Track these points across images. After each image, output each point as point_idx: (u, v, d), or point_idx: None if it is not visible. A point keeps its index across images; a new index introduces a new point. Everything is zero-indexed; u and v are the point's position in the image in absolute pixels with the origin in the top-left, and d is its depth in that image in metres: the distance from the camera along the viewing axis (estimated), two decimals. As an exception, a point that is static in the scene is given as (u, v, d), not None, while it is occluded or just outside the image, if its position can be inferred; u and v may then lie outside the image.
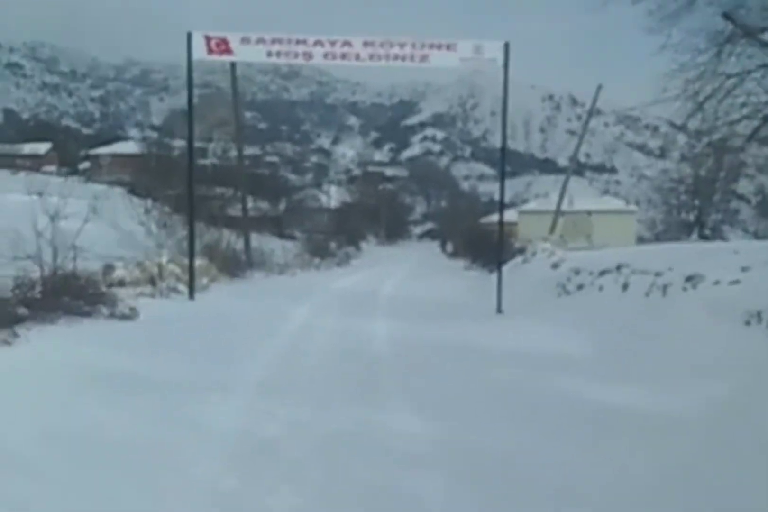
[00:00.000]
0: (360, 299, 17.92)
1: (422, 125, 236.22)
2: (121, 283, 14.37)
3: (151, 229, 20.26)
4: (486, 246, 45.13)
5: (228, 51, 13.79)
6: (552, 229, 27.35)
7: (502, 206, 15.10)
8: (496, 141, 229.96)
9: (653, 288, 10.13)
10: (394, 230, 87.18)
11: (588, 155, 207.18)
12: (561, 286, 13.74)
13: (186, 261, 16.07)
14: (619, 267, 12.09)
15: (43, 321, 9.43)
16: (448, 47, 13.82)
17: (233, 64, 27.57)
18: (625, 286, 11.03)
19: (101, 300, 11.29)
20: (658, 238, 69.89)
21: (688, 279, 9.42)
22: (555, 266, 16.15)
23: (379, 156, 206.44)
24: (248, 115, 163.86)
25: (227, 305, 14.43)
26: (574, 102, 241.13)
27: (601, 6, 10.96)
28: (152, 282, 15.23)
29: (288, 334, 10.76)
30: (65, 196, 12.75)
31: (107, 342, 8.86)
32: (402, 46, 13.80)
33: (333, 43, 13.81)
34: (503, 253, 35.64)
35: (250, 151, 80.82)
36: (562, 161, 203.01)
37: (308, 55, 13.85)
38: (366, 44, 13.81)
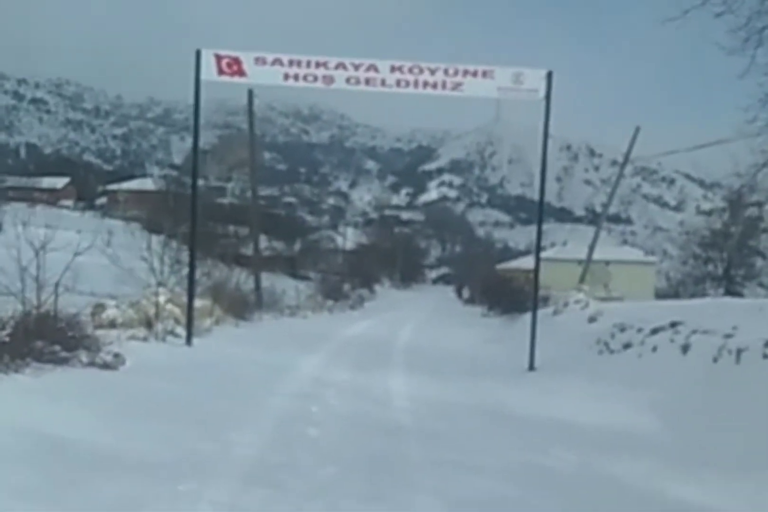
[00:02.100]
0: (375, 348, 16.46)
1: (440, 171, 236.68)
2: (112, 324, 12.99)
3: (153, 265, 18.90)
4: (504, 293, 43.89)
5: (240, 72, 12.54)
6: (582, 279, 25.83)
7: (538, 249, 13.69)
8: (512, 188, 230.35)
9: (723, 353, 8.60)
10: (408, 274, 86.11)
11: (604, 205, 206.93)
12: (603, 343, 12.19)
13: (193, 300, 14.66)
14: (674, 325, 10.57)
15: (6, 369, 8.00)
16: (485, 74, 12.52)
17: (250, 92, 26.72)
18: (685, 348, 9.51)
19: (82, 344, 9.87)
20: (677, 292, 68.30)
21: (769, 343, 7.90)
22: (592, 319, 14.63)
23: (396, 200, 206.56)
24: (268, 156, 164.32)
25: (228, 352, 12.96)
26: (591, 153, 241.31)
27: (681, 16, 9.62)
28: (148, 324, 13.81)
29: (293, 392, 9.27)
30: (52, 227, 11.48)
31: (73, 397, 7.39)
32: (433, 72, 12.52)
33: (357, 67, 12.55)
34: (526, 302, 34.54)
35: (268, 191, 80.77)
36: (578, 211, 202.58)
37: (329, 79, 12.59)
38: (393, 69, 12.54)
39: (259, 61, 12.56)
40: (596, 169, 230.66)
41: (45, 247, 11.59)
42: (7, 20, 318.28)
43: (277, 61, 12.55)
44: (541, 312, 23.16)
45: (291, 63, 12.54)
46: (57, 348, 9.32)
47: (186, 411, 7.51)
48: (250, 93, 26.85)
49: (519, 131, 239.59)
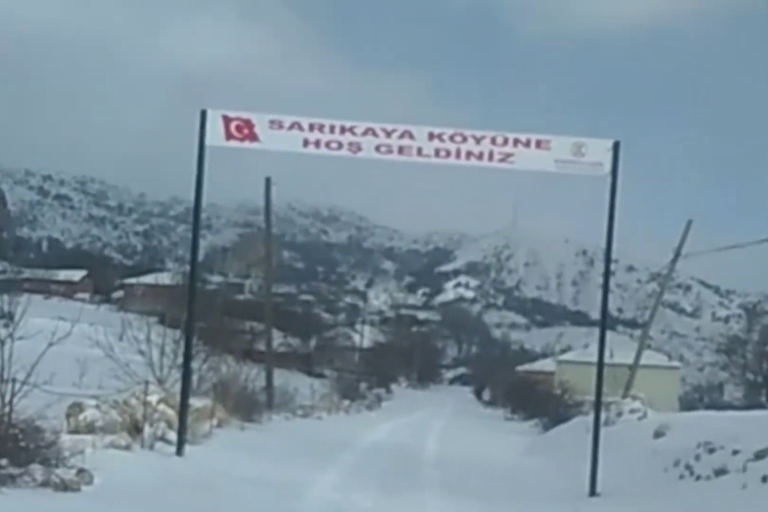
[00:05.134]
0: (402, 460, 14.25)
1: (456, 272, 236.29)
2: (90, 428, 10.87)
3: (152, 359, 16.96)
4: (529, 396, 41.65)
5: (252, 137, 10.83)
6: (628, 387, 23.50)
7: (601, 354, 11.47)
8: (528, 291, 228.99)
9: None
10: (425, 373, 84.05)
11: (620, 310, 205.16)
12: (684, 466, 9.92)
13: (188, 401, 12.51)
14: (783, 447, 8.38)
15: None
16: (539, 145, 10.79)
17: (268, 180, 25.59)
18: (813, 480, 7.30)
19: (40, 456, 7.80)
20: (701, 397, 65.77)
21: None
22: (659, 434, 12.34)
23: (413, 300, 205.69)
24: (286, 254, 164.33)
25: (226, 466, 10.77)
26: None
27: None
28: (136, 428, 11.68)
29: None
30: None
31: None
32: (478, 140, 10.82)
33: (389, 133, 10.87)
34: (557, 408, 32.01)
35: (285, 288, 79.48)
36: (594, 314, 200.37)
37: (356, 147, 10.90)
38: (432, 136, 10.86)
39: (275, 124, 10.88)
40: (612, 274, 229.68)
41: (12, 336, 9.73)
42: (35, 118, 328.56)
43: (296, 125, 10.88)
44: (580, 420, 20.98)
45: (312, 127, 10.87)
46: (3, 462, 7.27)
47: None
48: (268, 181, 25.99)
49: (535, 236, 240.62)
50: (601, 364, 11.23)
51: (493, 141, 10.81)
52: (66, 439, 9.23)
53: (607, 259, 11.39)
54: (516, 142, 10.79)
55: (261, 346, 33.83)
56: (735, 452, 9.13)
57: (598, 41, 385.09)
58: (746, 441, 9.31)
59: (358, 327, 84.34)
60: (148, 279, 76.85)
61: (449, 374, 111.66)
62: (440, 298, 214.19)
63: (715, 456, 9.45)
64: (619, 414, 15.74)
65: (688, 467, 9.83)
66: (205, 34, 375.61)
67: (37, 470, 7.59)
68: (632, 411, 15.67)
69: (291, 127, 10.89)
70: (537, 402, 38.15)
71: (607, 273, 11.39)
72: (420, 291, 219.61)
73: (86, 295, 75.12)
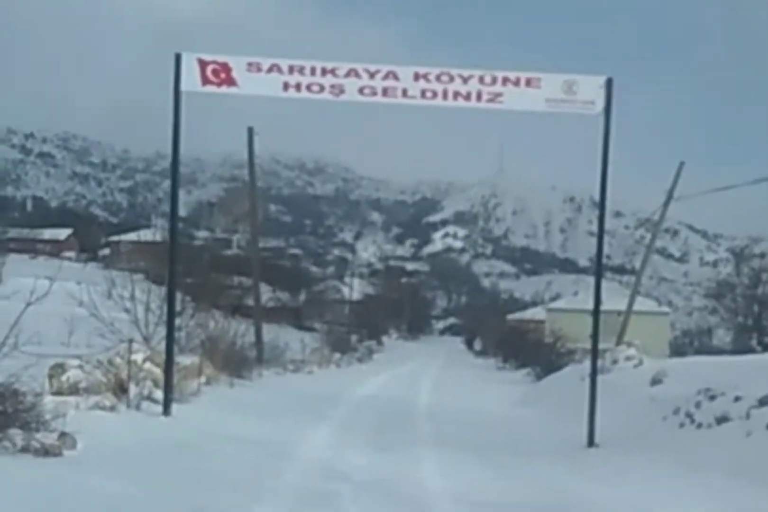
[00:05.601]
0: (394, 414, 14.01)
1: (444, 222, 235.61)
2: (74, 390, 10.53)
3: (137, 317, 16.59)
4: (521, 345, 41.68)
5: (230, 81, 10.31)
6: (621, 334, 23.33)
7: (597, 294, 11.17)
8: (516, 239, 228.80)
9: None
10: (416, 325, 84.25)
11: (609, 256, 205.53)
12: (684, 414, 9.68)
13: (176, 359, 12.19)
14: (789, 393, 8.13)
15: None
16: (529, 83, 10.30)
17: (250, 130, 24.94)
18: (822, 427, 7.05)
19: (19, 420, 7.45)
20: (692, 342, 65.93)
21: None
22: (656, 381, 12.12)
23: (401, 251, 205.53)
24: (273, 208, 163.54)
25: (214, 425, 10.47)
26: (595, 204, 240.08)
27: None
28: (121, 388, 11.35)
29: (296, 494, 6.76)
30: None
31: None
32: (465, 80, 10.32)
33: (372, 75, 10.36)
34: (549, 356, 31.95)
35: (273, 243, 78.99)
36: (582, 261, 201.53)
37: (338, 89, 10.40)
38: (417, 77, 10.35)
39: (253, 67, 10.35)
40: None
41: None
42: (15, 76, 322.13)
43: (275, 68, 10.35)
44: (574, 368, 20.86)
45: (291, 70, 10.34)
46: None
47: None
48: (250, 131, 25.32)
49: (522, 183, 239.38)
50: (597, 313, 10.94)
51: (481, 80, 10.30)
52: (48, 401, 8.91)
53: (602, 201, 10.92)
54: (505, 80, 10.29)
55: (250, 301, 33.67)
56: (737, 399, 8.89)
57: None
58: (747, 387, 9.07)
59: (347, 279, 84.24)
60: (133, 236, 76.28)
61: (439, 325, 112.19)
62: (428, 249, 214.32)
63: (716, 404, 9.21)
64: (614, 361, 15.52)
65: (688, 415, 9.60)
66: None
67: (17, 435, 7.25)
68: (627, 358, 15.44)
69: (270, 69, 10.34)
70: (528, 350, 38.20)
71: (602, 218, 10.93)
72: (408, 242, 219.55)
73: (73, 254, 74.49)
